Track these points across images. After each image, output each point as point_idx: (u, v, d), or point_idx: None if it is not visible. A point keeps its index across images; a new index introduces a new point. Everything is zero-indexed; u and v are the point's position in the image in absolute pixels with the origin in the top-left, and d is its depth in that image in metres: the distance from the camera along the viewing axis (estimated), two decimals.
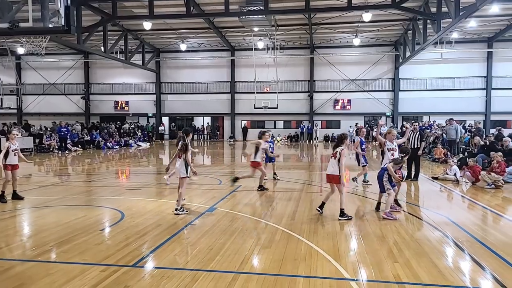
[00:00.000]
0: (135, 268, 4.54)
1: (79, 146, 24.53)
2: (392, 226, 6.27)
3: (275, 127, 35.25)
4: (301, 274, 4.33)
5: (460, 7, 17.73)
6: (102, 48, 25.72)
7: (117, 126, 31.17)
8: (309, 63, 33.49)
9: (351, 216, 6.77)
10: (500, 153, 10.66)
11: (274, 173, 11.34)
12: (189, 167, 7.19)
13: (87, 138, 26.07)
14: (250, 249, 5.19)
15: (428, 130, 21.88)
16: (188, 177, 7.38)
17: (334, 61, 32.88)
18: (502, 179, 9.97)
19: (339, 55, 32.56)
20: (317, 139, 33.44)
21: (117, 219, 6.82)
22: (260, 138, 9.46)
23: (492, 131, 21.55)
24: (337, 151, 6.82)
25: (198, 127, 36.85)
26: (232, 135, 35.19)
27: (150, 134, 34.31)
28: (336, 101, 33.61)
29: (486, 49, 30.48)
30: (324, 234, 5.84)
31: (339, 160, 6.73)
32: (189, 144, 7.48)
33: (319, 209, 7.15)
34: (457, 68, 31.18)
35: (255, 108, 31.97)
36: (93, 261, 4.73)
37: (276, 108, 31.62)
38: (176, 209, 7.21)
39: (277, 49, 30.58)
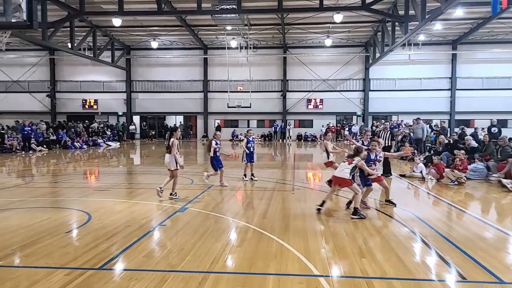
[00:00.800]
0: (102, 270, 4.42)
1: (44, 146, 23.66)
2: (361, 223, 6.40)
3: (248, 126, 35.20)
4: (272, 272, 4.35)
5: (426, 10, 18.34)
6: (69, 44, 24.92)
7: (85, 125, 30.27)
8: (282, 62, 33.71)
9: (364, 215, 6.75)
10: (463, 151, 11.10)
11: (252, 174, 11.26)
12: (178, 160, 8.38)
13: (53, 137, 25.19)
14: (221, 248, 5.17)
15: (397, 129, 22.51)
16: (177, 169, 8.47)
17: (307, 61, 33.25)
18: (464, 176, 10.37)
19: (312, 55, 32.95)
20: (290, 138, 33.73)
21: (84, 220, 6.62)
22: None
23: (456, 130, 22.43)
24: (353, 160, 6.97)
25: (171, 126, 36.34)
26: (205, 134, 34.93)
27: (121, 133, 33.54)
28: (309, 101, 34.01)
29: (450, 51, 31.66)
30: (295, 232, 5.90)
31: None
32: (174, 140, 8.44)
33: (319, 207, 7.16)
34: (423, 69, 32.22)
35: (228, 107, 31.92)
36: (58, 265, 4.57)
37: (250, 107, 31.70)
38: (171, 194, 8.36)
39: (250, 48, 30.65)
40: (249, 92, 31.96)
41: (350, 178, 6.89)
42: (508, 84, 31.47)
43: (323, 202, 7.20)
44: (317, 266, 4.50)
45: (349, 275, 4.24)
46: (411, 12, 20.16)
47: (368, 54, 32.24)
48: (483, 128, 21.84)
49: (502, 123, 26.12)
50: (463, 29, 28.56)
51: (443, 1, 16.27)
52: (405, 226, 6.29)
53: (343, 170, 6.94)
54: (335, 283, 4.02)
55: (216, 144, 10.17)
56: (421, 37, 29.08)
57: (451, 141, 13.87)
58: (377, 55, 28.57)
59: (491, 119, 22.25)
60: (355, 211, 6.77)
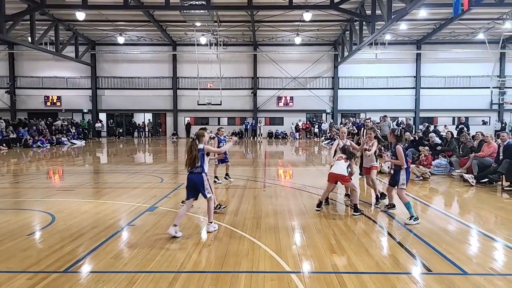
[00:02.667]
0: (66, 274, 4.25)
1: (4, 144, 22.57)
2: (331, 220, 6.49)
3: (219, 124, 35.00)
4: (243, 269, 4.33)
5: (392, 11, 18.86)
6: (30, 38, 23.83)
7: (48, 122, 29.08)
8: (252, 60, 33.72)
9: (362, 211, 6.82)
10: (427, 148, 11.49)
11: (227, 174, 10.91)
12: None
13: (13, 136, 24.04)
14: (192, 247, 5.09)
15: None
16: None
17: (277, 59, 33.42)
18: (429, 172, 10.75)
19: (282, 53, 33.16)
20: (261, 135, 33.82)
21: (47, 222, 6.35)
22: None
23: (421, 127, 23.24)
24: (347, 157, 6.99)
25: (139, 124, 35.64)
26: (175, 132, 34.45)
27: (86, 131, 32.48)
28: (279, 98, 34.22)
29: (415, 51, 32.75)
30: (266, 229, 5.90)
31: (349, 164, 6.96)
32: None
33: (318, 208, 7.10)
34: (390, 68, 33.17)
35: (198, 104, 31.63)
36: (19, 269, 4.36)
37: (220, 104, 31.53)
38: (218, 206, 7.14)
39: (220, 45, 30.42)
40: (219, 89, 31.77)
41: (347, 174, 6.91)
42: (468, 83, 32.92)
43: (320, 202, 7.17)
44: (289, 262, 4.52)
45: (320, 271, 4.28)
46: (378, 12, 20.67)
47: (337, 53, 32.80)
48: (445, 125, 22.74)
49: (457, 121, 27.35)
50: (427, 30, 29.60)
51: (408, 2, 16.77)
52: (373, 220, 6.43)
53: (341, 167, 6.85)
54: (306, 279, 4.05)
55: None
56: (388, 37, 29.87)
57: (416, 138, 14.35)
58: (346, 53, 29.11)
59: (459, 117, 23.30)
60: (356, 208, 6.80)
